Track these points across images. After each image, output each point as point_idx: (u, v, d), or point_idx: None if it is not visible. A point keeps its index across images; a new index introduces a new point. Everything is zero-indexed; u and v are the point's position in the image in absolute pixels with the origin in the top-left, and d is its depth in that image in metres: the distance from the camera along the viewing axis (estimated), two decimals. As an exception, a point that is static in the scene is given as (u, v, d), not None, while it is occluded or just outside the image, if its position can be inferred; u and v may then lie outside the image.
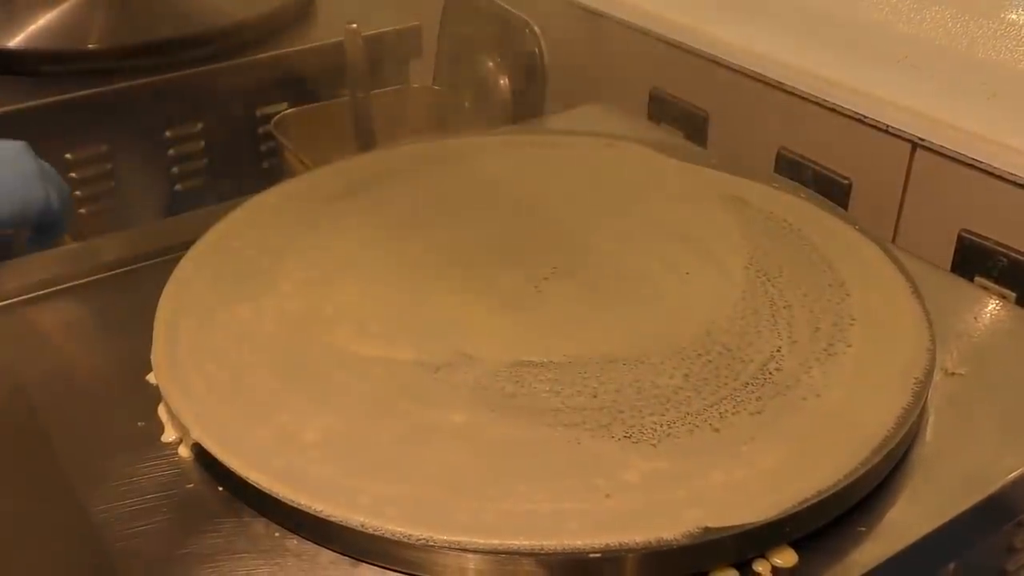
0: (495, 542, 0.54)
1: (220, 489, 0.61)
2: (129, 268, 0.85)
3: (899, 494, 0.62)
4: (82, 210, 1.09)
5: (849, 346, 0.69)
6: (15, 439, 0.68)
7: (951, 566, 0.65)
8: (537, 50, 1.10)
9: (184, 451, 0.64)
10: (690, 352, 0.68)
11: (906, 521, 0.60)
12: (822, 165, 1.00)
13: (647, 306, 0.73)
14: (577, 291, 0.75)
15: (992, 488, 0.62)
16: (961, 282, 0.84)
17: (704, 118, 1.13)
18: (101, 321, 0.80)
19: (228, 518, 0.60)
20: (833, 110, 0.98)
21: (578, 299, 0.74)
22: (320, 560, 0.57)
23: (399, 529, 0.55)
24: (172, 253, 0.81)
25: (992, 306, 0.79)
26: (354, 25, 0.89)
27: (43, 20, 1.17)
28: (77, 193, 1.09)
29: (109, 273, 0.84)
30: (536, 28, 1.10)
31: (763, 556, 0.56)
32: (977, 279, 0.88)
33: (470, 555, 0.54)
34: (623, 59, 1.22)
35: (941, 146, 0.89)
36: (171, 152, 1.15)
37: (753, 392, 0.64)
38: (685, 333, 0.70)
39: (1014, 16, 0.91)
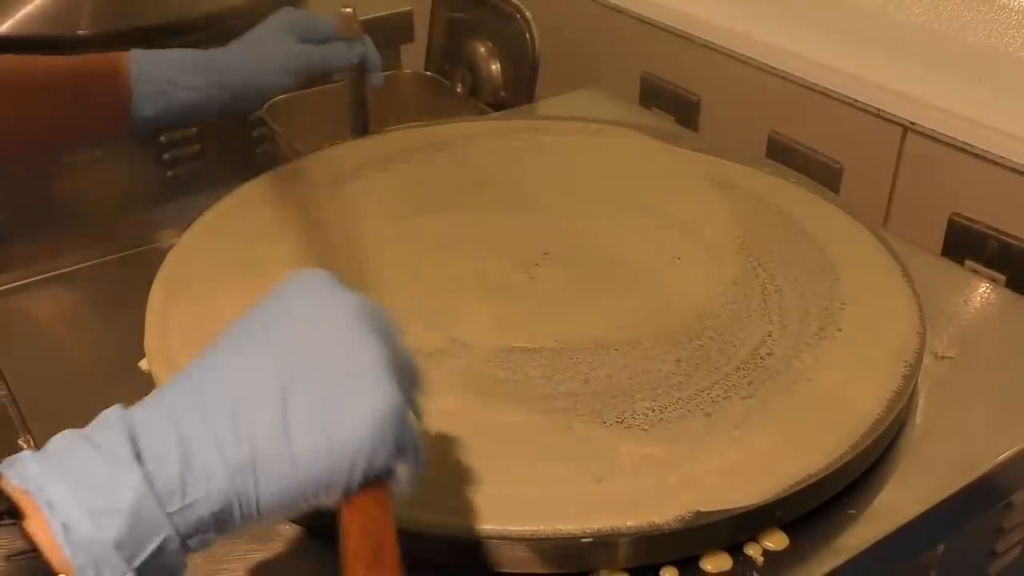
0: (487, 527, 0.54)
1: (213, 475, 0.61)
2: (122, 254, 0.85)
3: (889, 477, 0.62)
4: (74, 197, 1.09)
5: (840, 330, 0.69)
6: (7, 425, 0.68)
7: (941, 547, 0.65)
8: (529, 35, 1.09)
9: (177, 438, 0.64)
10: (681, 337, 0.68)
11: (896, 504, 0.60)
12: (813, 149, 1.01)
13: (638, 291, 0.74)
14: (568, 277, 0.75)
15: (981, 470, 0.62)
16: (951, 265, 0.84)
17: (695, 103, 1.13)
18: (93, 308, 0.80)
19: (221, 504, 0.60)
20: (824, 94, 0.98)
21: (570, 285, 0.74)
22: (311, 546, 0.57)
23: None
24: (165, 240, 0.81)
25: (982, 289, 0.79)
26: (349, 10, 0.89)
27: (32, 6, 1.16)
28: (69, 179, 1.08)
29: (102, 259, 0.84)
30: (527, 13, 1.10)
31: (754, 539, 0.57)
32: (967, 262, 0.88)
33: (462, 540, 0.54)
34: (614, 44, 1.22)
35: (932, 130, 0.89)
36: (163, 139, 1.14)
37: (744, 377, 0.65)
38: (677, 318, 0.70)
39: (1005, 0, 0.91)
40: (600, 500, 0.56)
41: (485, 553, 0.55)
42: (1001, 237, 0.86)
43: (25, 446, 0.66)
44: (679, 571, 0.55)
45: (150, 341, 0.69)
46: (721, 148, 0.93)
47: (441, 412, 0.62)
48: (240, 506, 0.41)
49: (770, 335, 0.68)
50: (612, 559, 0.55)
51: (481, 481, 0.57)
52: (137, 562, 0.38)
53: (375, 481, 0.43)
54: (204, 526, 0.40)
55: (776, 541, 0.57)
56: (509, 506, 0.56)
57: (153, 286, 0.74)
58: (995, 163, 0.85)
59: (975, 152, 0.86)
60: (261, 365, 0.43)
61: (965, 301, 0.78)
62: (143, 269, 0.76)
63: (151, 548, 0.39)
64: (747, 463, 0.58)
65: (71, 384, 0.70)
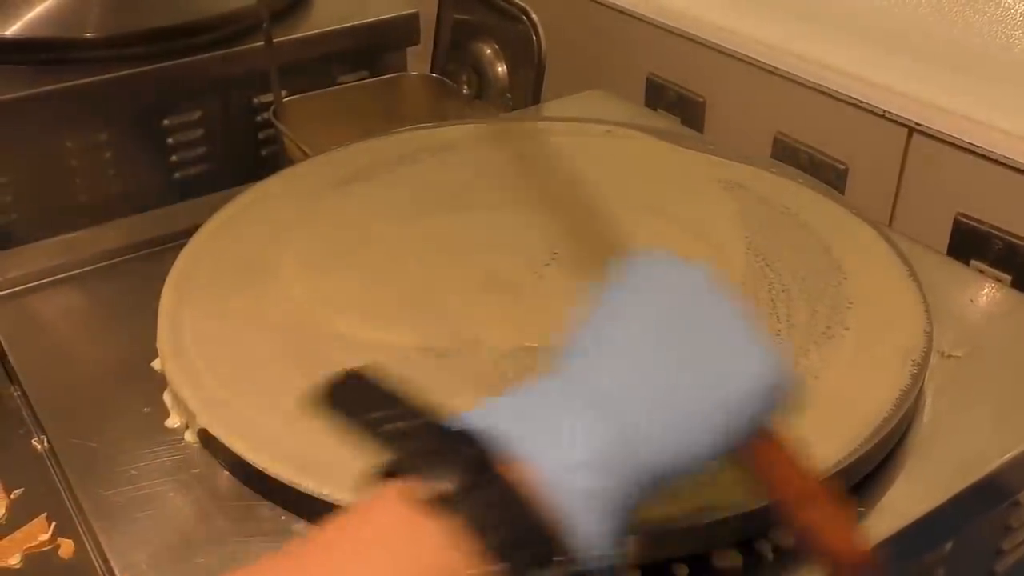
0: (500, 524, 0.55)
1: (226, 474, 0.62)
2: (131, 256, 0.85)
3: (897, 475, 0.62)
4: (83, 198, 1.09)
5: (847, 329, 0.69)
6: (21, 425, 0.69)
7: (948, 545, 0.66)
8: (535, 37, 1.10)
9: (190, 436, 0.65)
10: (690, 336, 0.68)
11: (904, 501, 0.61)
12: (819, 150, 1.01)
13: (647, 291, 0.74)
14: (578, 277, 0.75)
15: (989, 468, 0.63)
16: (957, 265, 0.85)
17: (701, 104, 1.13)
18: (105, 309, 0.80)
19: (234, 502, 0.60)
20: (829, 95, 0.98)
21: (580, 285, 0.74)
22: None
23: (405, 512, 0.55)
24: (174, 241, 0.81)
25: (988, 289, 0.80)
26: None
27: (40, 8, 1.16)
28: (76, 181, 1.09)
29: (111, 261, 0.85)
30: (534, 15, 1.10)
31: (765, 536, 0.57)
32: (973, 262, 0.88)
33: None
34: (620, 45, 1.22)
35: (937, 131, 0.90)
36: (170, 140, 1.15)
37: (753, 375, 0.65)
38: (685, 317, 0.70)
39: (1010, 1, 0.92)
40: (611, 498, 0.56)
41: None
42: (1007, 237, 0.86)
43: (39, 447, 0.66)
44: (690, 567, 0.56)
45: (162, 342, 0.70)
46: (727, 149, 0.93)
47: (451, 411, 0.62)
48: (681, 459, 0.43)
49: (778, 334, 0.69)
50: (622, 555, 0.55)
51: (493, 479, 0.57)
52: (615, 519, 0.40)
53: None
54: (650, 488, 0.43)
55: (787, 538, 0.57)
56: (521, 504, 0.56)
57: (165, 287, 0.74)
58: (1000, 163, 0.85)
59: (980, 153, 0.86)
60: (645, 344, 0.47)
61: (971, 301, 0.78)
62: (154, 271, 0.77)
63: (622, 505, 0.41)
64: (756, 461, 0.59)
65: (84, 385, 0.71)
